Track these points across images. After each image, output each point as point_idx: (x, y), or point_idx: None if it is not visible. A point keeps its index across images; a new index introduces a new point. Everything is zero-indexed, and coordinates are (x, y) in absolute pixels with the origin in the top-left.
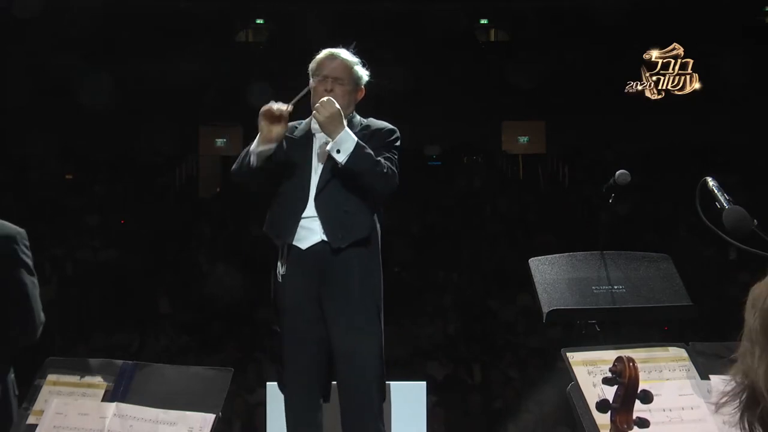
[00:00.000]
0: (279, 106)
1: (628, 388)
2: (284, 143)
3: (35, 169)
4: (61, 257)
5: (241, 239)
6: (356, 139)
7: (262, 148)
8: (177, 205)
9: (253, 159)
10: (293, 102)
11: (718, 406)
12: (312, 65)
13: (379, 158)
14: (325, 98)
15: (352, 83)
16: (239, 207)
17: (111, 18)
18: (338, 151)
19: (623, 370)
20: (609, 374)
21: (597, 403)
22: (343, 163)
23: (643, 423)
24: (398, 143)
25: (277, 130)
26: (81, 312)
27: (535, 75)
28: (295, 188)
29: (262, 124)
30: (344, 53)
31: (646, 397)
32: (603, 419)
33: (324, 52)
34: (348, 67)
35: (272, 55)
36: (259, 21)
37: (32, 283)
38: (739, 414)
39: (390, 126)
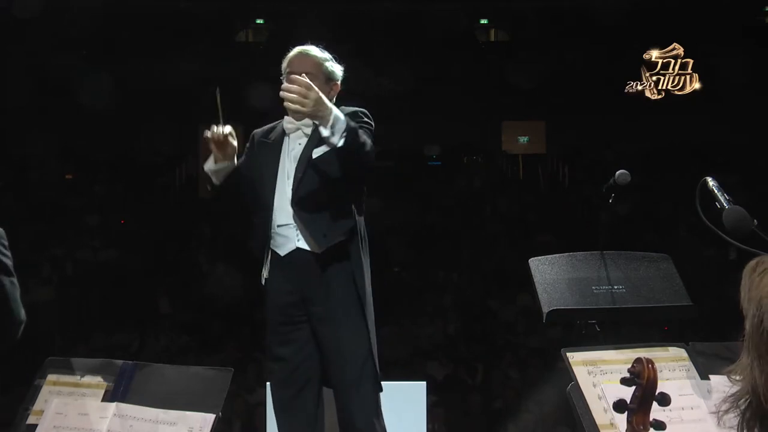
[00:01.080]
0: (217, 131)
1: (646, 390)
2: (257, 148)
3: (35, 169)
4: (61, 257)
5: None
6: (343, 116)
7: (219, 166)
8: (177, 205)
9: (213, 179)
10: (222, 117)
11: (720, 415)
12: (283, 64)
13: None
14: (288, 89)
15: (323, 77)
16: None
17: (111, 18)
18: (332, 134)
19: (642, 371)
20: (627, 375)
21: (614, 402)
22: (340, 145)
23: (660, 425)
24: (368, 120)
25: (229, 150)
26: (81, 312)
27: (535, 75)
28: (267, 196)
29: (212, 148)
30: (314, 50)
31: (664, 400)
32: (603, 419)
33: (293, 51)
34: (317, 63)
35: (272, 55)
36: (259, 21)
37: (10, 282)
38: (739, 421)
39: (359, 108)
